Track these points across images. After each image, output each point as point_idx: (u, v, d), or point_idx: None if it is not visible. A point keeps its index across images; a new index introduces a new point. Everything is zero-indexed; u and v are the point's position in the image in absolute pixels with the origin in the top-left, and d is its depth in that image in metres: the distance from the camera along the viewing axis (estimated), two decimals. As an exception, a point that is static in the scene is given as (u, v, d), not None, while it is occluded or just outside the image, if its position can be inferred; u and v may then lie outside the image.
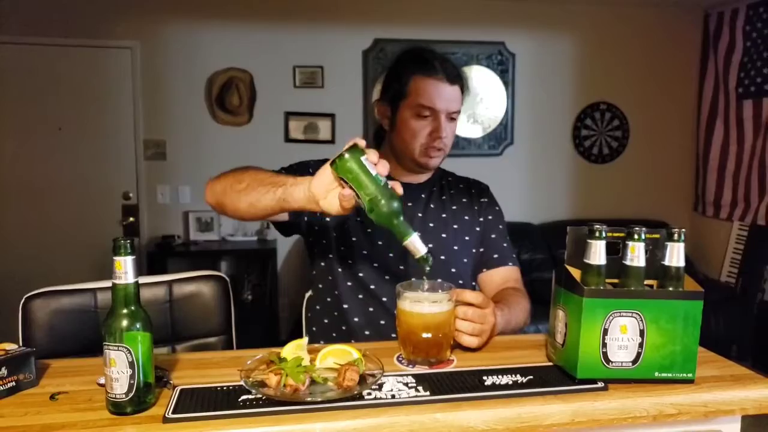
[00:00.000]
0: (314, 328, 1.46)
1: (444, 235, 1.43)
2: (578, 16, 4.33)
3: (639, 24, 4.40)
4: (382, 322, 1.37)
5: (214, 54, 3.95)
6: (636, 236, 0.95)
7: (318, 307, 1.47)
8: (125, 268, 0.86)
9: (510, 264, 1.48)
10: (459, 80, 1.39)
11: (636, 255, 0.96)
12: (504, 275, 1.47)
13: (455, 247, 1.43)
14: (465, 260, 1.45)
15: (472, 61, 4.25)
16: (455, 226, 1.46)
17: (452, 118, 1.40)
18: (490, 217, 1.51)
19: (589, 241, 0.97)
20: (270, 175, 1.17)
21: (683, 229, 0.97)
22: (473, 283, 1.48)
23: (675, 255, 0.96)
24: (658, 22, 4.41)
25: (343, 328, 1.40)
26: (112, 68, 3.86)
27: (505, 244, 1.50)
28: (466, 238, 1.46)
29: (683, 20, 4.45)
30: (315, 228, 1.43)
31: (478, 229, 1.49)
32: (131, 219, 3.96)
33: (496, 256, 1.48)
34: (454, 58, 4.21)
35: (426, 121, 1.37)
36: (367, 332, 1.38)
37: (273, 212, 1.16)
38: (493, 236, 1.49)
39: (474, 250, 1.48)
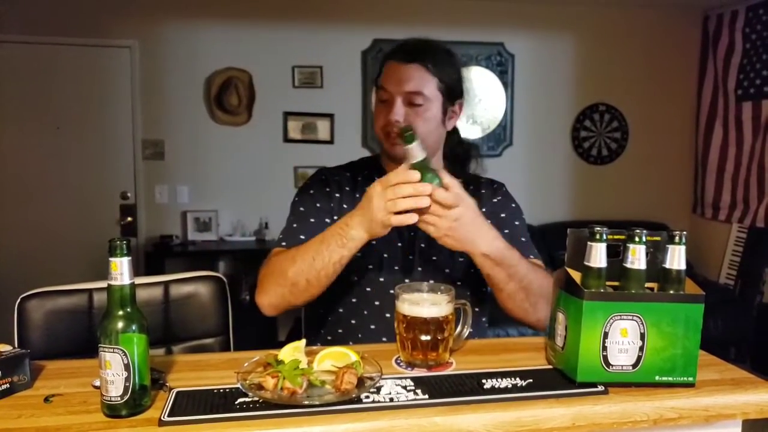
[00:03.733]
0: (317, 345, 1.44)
1: (455, 253, 1.36)
2: (578, 17, 4.33)
3: (638, 25, 4.40)
4: (372, 326, 1.35)
5: (213, 53, 3.94)
6: (637, 239, 0.95)
7: (314, 324, 1.45)
8: (121, 269, 0.85)
9: (531, 257, 1.39)
10: (417, 59, 1.30)
11: (637, 258, 0.95)
12: None
13: (461, 259, 1.38)
14: (472, 270, 1.36)
15: (471, 62, 4.24)
16: None
17: (413, 103, 1.30)
18: (503, 215, 1.43)
19: (589, 243, 0.96)
20: (307, 251, 1.19)
21: (684, 232, 0.96)
22: (476, 308, 1.39)
23: (676, 258, 0.95)
24: (657, 23, 4.41)
25: (340, 330, 1.38)
26: (111, 67, 3.86)
27: (523, 239, 1.42)
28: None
29: (682, 22, 4.45)
30: None
31: None
32: (129, 219, 3.95)
33: None
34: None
35: (384, 104, 1.33)
36: (359, 335, 1.36)
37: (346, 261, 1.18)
38: (506, 231, 1.39)
39: None
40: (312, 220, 1.36)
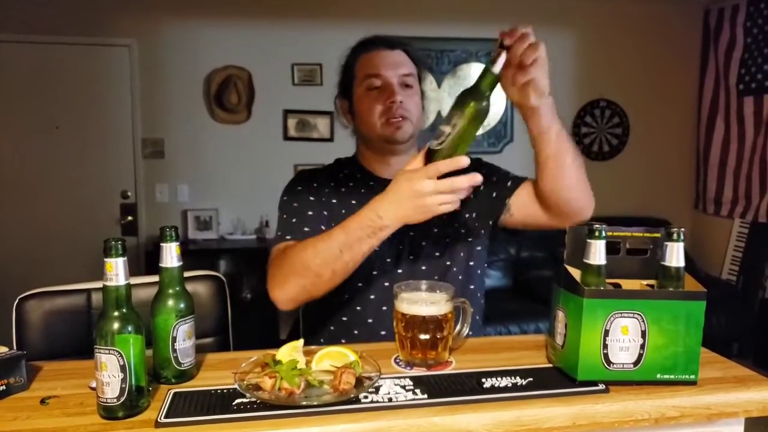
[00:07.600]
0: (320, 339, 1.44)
1: (448, 240, 1.39)
2: (578, 12, 4.31)
3: (639, 20, 4.37)
4: (370, 320, 1.35)
5: (212, 52, 3.93)
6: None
7: (311, 323, 1.45)
8: (116, 270, 0.84)
9: (528, 178, 1.41)
10: (400, 45, 1.39)
11: (675, 254, 0.95)
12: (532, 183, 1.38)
13: (462, 254, 1.40)
14: (471, 263, 1.41)
15: (471, 58, 4.23)
16: (456, 224, 1.41)
17: (407, 84, 1.36)
18: (493, 179, 1.45)
19: (588, 240, 0.95)
20: (331, 242, 1.14)
21: (682, 229, 0.95)
22: (471, 286, 1.42)
23: (674, 255, 0.95)
24: (658, 18, 4.39)
25: (332, 328, 1.38)
26: (110, 66, 3.84)
27: (510, 173, 1.46)
28: (470, 239, 1.42)
29: (683, 16, 4.42)
30: None
31: (474, 215, 1.43)
32: (129, 218, 3.95)
33: (509, 183, 1.42)
34: (453, 55, 4.22)
35: (377, 91, 1.35)
36: (355, 332, 1.36)
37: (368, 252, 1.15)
38: (494, 179, 1.43)
39: (478, 246, 1.43)
40: (310, 213, 1.35)
